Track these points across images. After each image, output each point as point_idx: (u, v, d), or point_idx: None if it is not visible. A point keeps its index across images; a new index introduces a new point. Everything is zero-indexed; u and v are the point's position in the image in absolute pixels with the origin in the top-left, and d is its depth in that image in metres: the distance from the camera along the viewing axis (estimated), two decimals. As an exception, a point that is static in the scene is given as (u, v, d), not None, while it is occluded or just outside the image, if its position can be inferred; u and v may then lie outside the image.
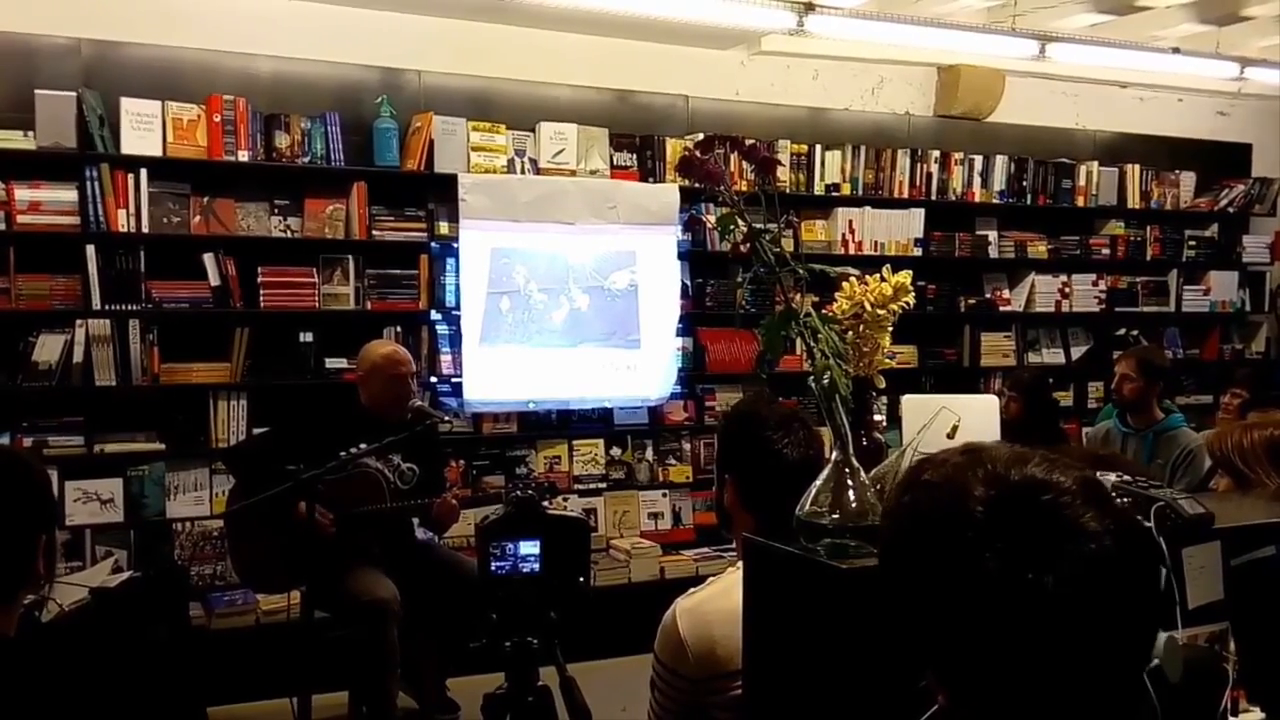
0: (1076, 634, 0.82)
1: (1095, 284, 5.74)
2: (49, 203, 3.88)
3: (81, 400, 3.97)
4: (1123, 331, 5.80)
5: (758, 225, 1.37)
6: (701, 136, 2.02)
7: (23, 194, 3.84)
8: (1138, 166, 5.88)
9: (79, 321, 3.92)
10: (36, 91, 3.84)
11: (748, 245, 1.37)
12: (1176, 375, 5.65)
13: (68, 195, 3.90)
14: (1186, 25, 5.10)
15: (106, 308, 3.95)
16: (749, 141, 1.46)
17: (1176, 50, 5.15)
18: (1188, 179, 6.06)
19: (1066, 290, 5.66)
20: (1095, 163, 5.77)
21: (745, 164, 1.43)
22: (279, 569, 3.41)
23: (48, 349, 3.89)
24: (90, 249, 3.92)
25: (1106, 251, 5.81)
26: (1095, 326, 5.81)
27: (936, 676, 0.89)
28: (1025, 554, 0.82)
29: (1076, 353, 5.77)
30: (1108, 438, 4.23)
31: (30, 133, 3.84)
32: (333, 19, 4.38)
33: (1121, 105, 6.01)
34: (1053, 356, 5.71)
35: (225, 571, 4.05)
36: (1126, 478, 1.32)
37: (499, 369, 4.51)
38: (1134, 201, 5.89)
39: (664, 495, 4.90)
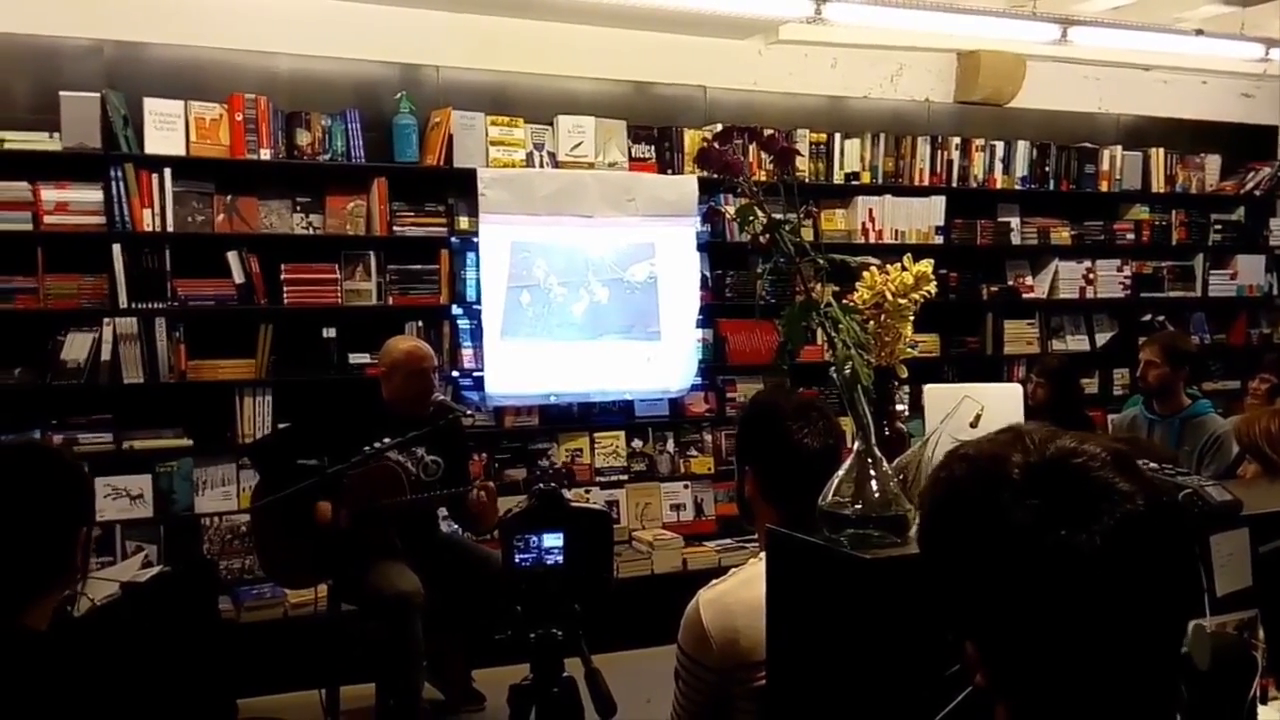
0: (1109, 594, 0.83)
1: (1120, 270, 5.68)
2: (75, 203, 3.92)
3: (110, 398, 4.02)
4: (1148, 317, 5.73)
5: (777, 216, 1.37)
6: (720, 127, 2.02)
7: (49, 195, 3.88)
8: (1162, 150, 5.81)
9: (106, 320, 3.96)
10: (61, 93, 3.88)
11: (767, 236, 1.37)
12: (1203, 361, 5.59)
13: (93, 195, 3.94)
14: (1210, 6, 5.03)
15: (133, 306, 3.99)
16: (767, 132, 1.46)
17: (1200, 32, 5.08)
18: (1213, 162, 5.98)
19: (1091, 276, 5.60)
20: (1119, 147, 5.71)
21: (764, 154, 1.43)
22: (302, 564, 3.44)
23: (76, 347, 3.94)
24: (116, 248, 3.96)
25: (1131, 236, 5.75)
26: (1120, 313, 5.75)
27: (976, 650, 0.89)
28: (1058, 513, 0.83)
29: (1101, 339, 5.72)
30: (1133, 424, 4.19)
31: (56, 134, 3.88)
32: (351, 16, 4.40)
33: (1145, 88, 5.93)
34: (1077, 344, 5.66)
35: (253, 565, 4.09)
36: (1153, 464, 1.31)
37: (520, 362, 4.52)
38: (1158, 185, 5.82)
39: (685, 487, 4.90)
